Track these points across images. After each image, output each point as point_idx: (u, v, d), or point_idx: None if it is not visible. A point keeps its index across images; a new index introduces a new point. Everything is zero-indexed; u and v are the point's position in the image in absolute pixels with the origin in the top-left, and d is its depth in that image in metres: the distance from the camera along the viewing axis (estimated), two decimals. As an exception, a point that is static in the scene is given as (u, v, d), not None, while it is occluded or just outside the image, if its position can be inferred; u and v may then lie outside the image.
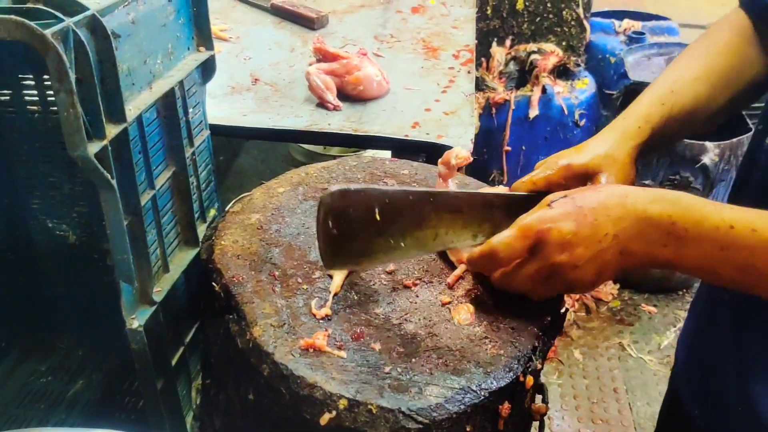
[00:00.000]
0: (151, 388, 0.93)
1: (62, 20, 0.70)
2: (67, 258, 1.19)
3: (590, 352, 2.67)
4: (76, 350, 1.26)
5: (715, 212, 0.71)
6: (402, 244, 0.82)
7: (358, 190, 0.79)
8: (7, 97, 1.09)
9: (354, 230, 0.79)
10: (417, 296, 0.85)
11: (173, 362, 0.98)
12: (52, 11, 0.71)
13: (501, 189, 0.94)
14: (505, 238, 0.77)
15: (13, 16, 0.67)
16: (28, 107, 1.10)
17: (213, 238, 0.93)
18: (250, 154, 2.37)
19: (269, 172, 2.31)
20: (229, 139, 2.23)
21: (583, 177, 0.87)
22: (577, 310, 2.79)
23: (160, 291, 0.92)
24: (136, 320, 0.87)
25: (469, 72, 1.55)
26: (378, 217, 0.79)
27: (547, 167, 0.89)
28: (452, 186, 0.96)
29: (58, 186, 1.14)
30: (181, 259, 0.99)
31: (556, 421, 2.41)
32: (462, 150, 0.91)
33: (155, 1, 0.89)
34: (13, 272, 1.19)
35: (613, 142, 0.89)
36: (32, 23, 0.67)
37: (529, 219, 0.76)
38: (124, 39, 0.81)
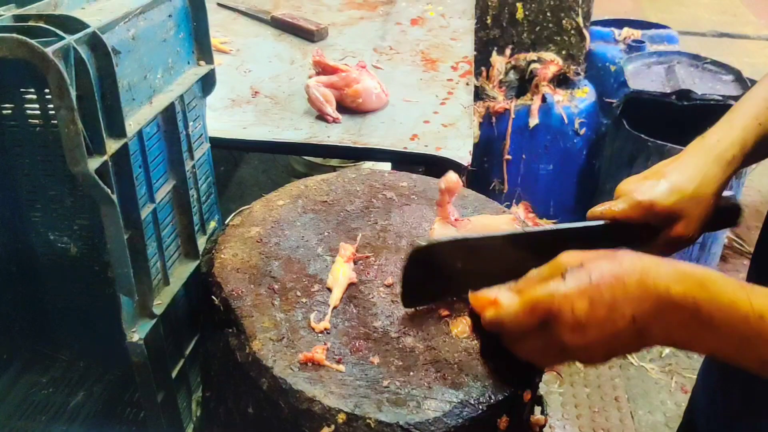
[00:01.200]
0: (152, 401, 0.93)
1: (63, 38, 0.71)
2: (68, 270, 1.20)
3: (591, 360, 2.66)
4: (77, 362, 1.27)
5: (745, 300, 0.64)
6: (479, 283, 0.79)
7: (444, 242, 0.82)
8: (9, 111, 1.10)
9: (435, 277, 0.83)
10: (416, 309, 0.85)
11: (173, 374, 0.98)
12: (54, 29, 0.72)
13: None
14: (512, 310, 0.70)
15: (14, 35, 0.68)
16: (29, 121, 1.11)
17: (213, 251, 0.93)
18: (251, 165, 2.38)
19: (270, 182, 2.31)
20: (229, 150, 2.23)
21: (665, 219, 0.84)
22: (579, 319, 2.79)
23: (160, 304, 0.92)
24: (137, 333, 0.87)
25: (467, 84, 1.56)
26: (460, 265, 0.82)
27: (627, 202, 0.85)
28: (453, 211, 0.96)
29: (59, 199, 1.15)
30: (182, 271, 1.00)
31: (557, 430, 2.41)
32: (451, 176, 0.92)
33: (155, 17, 0.90)
34: (14, 284, 1.20)
35: (703, 176, 0.84)
36: (33, 41, 0.68)
37: (540, 293, 0.68)
38: (125, 55, 0.82)
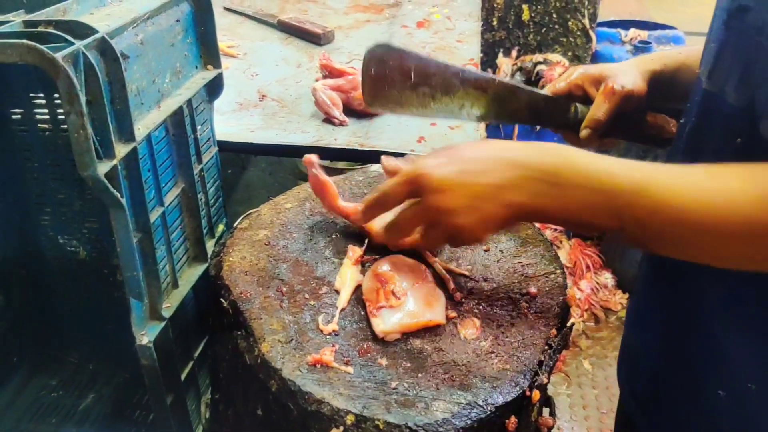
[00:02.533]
0: (161, 403, 0.94)
1: (72, 43, 0.71)
2: (77, 273, 1.21)
3: (599, 362, 2.66)
4: (86, 364, 1.27)
5: (599, 161, 0.71)
6: (431, 104, 0.94)
7: (399, 48, 0.92)
8: (19, 116, 1.11)
9: (391, 79, 0.92)
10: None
11: (183, 377, 0.98)
12: (63, 35, 0.72)
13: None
14: (389, 181, 0.79)
15: (25, 41, 0.68)
16: (39, 125, 1.11)
17: (221, 254, 0.94)
18: (258, 167, 2.38)
19: (277, 185, 2.32)
20: (237, 153, 2.24)
21: (597, 80, 0.98)
22: (586, 320, 2.79)
23: (169, 307, 0.93)
24: (146, 336, 0.88)
25: (474, 85, 1.56)
26: (412, 75, 0.91)
27: (567, 74, 1.01)
28: None
29: (68, 202, 1.16)
30: (190, 274, 1.00)
31: (565, 432, 2.40)
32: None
33: (163, 22, 0.90)
34: (24, 287, 1.21)
35: (626, 63, 1.00)
36: (43, 47, 0.68)
37: (411, 164, 0.78)
38: (133, 60, 0.82)
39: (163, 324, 0.90)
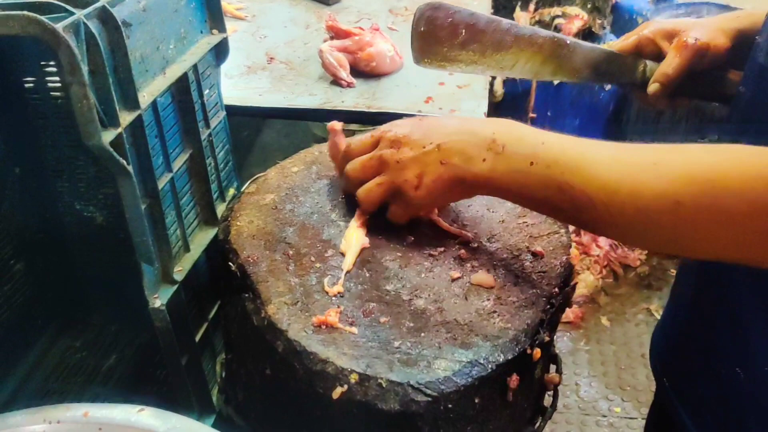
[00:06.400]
0: (176, 364, 0.97)
1: (73, 13, 0.72)
2: (96, 238, 1.23)
3: (618, 318, 2.67)
4: (109, 326, 1.31)
5: (535, 133, 0.75)
6: (481, 60, 0.95)
7: (449, 6, 0.92)
8: (32, 84, 1.12)
9: (439, 37, 0.93)
10: (429, 272, 0.87)
11: (197, 338, 1.01)
12: (63, 5, 0.73)
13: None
14: (360, 136, 0.90)
15: (25, 12, 0.69)
16: (51, 93, 1.13)
17: (229, 218, 0.95)
18: (274, 129, 2.39)
19: (293, 146, 2.32)
20: (245, 116, 2.25)
21: (671, 34, 0.95)
22: (605, 277, 2.79)
23: (181, 270, 0.95)
24: (159, 299, 0.90)
25: (484, 43, 1.53)
26: (462, 32, 0.92)
27: (638, 29, 0.98)
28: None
29: (83, 169, 1.18)
30: (202, 238, 1.02)
31: (583, 387, 2.43)
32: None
33: (166, -13, 0.90)
34: (46, 253, 1.24)
35: (708, 19, 0.96)
36: (43, 18, 0.69)
37: (382, 125, 0.87)
38: (136, 27, 0.83)
39: (175, 287, 0.93)
